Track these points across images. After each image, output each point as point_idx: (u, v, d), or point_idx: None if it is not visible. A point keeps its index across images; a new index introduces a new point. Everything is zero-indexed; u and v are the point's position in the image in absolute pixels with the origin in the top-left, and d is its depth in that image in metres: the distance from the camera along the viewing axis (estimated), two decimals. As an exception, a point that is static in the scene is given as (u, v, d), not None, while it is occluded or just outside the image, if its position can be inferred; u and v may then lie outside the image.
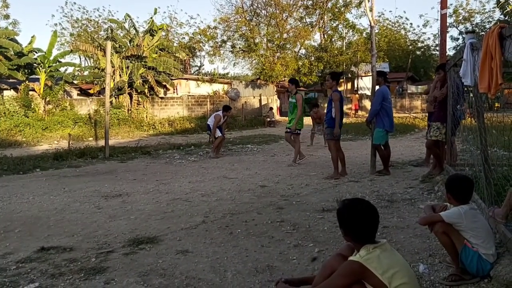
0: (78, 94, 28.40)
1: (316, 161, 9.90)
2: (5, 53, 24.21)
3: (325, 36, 33.79)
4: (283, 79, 30.62)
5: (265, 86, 31.44)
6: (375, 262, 2.27)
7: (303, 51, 33.23)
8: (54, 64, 25.47)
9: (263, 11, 32.39)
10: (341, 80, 36.36)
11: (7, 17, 31.48)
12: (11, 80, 26.36)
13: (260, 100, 29.86)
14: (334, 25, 32.93)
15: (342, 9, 31.20)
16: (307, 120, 13.88)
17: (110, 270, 3.50)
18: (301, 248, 3.94)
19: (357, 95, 32.37)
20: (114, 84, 23.71)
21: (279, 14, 31.47)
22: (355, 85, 35.93)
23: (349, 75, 34.33)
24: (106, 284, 3.23)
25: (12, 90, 25.66)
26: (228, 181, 7.54)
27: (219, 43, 33.18)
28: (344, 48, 32.76)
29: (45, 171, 9.44)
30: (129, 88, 25.10)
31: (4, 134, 18.63)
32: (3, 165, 9.78)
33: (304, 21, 33.48)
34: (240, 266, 3.55)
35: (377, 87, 7.78)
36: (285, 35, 31.81)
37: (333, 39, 33.25)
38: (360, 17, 39.15)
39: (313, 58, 31.35)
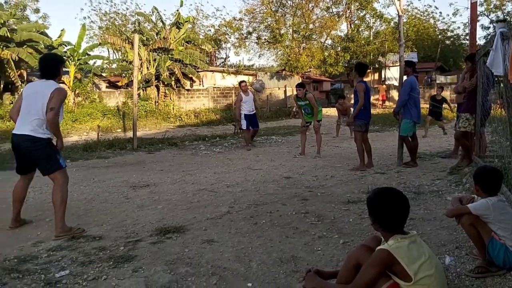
0: (106, 87, 28.92)
1: (341, 153, 9.85)
2: (36, 47, 24.80)
3: (352, 26, 33.33)
4: (308, 70, 30.40)
5: (290, 77, 31.30)
6: (403, 252, 2.27)
7: (329, 41, 32.89)
8: (83, 57, 25.99)
9: (289, 2, 32.13)
10: (368, 70, 35.93)
11: (37, 11, 32.23)
12: (42, 73, 26.95)
13: (285, 92, 29.76)
14: (361, 14, 32.45)
15: (369, -2, 30.71)
16: (333, 111, 13.78)
17: (138, 259, 3.59)
18: (326, 240, 3.94)
19: (384, 86, 31.87)
20: (141, 77, 24.03)
21: (305, 4, 31.16)
22: (383, 76, 35.36)
23: (376, 65, 33.80)
24: (134, 272, 3.31)
25: (43, 83, 26.25)
26: (253, 172, 7.59)
27: (245, 35, 33.15)
28: (372, 38, 32.22)
29: (75, 162, 9.68)
30: (156, 81, 25.41)
31: (35, 126, 19.14)
32: (35, 156, 10.07)
33: (331, 11, 33.07)
34: (264, 256, 3.58)
35: (405, 77, 7.66)
36: (311, 26, 31.53)
37: (360, 29, 32.78)
38: (388, 6, 38.57)
39: (339, 49, 30.99)
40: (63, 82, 24.59)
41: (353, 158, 8.49)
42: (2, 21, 22.92)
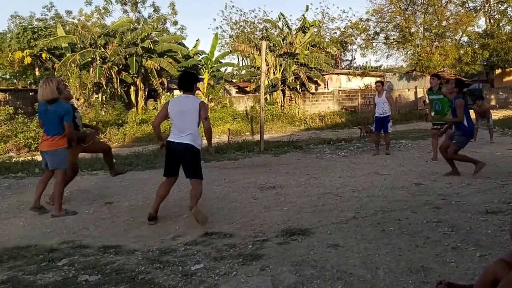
0: (236, 92, 30.45)
1: (480, 159, 9.03)
2: (175, 56, 27.16)
3: (492, 21, 30.40)
4: (441, 69, 28.47)
5: (421, 78, 29.65)
6: None
7: (465, 38, 30.43)
8: (215, 65, 27.76)
9: (419, -1, 30.52)
10: (497, 70, 32.37)
11: (175, 23, 35.12)
12: (179, 81, 29.42)
13: (415, 93, 28.29)
14: (502, 8, 29.40)
15: (512, -11, 27.73)
16: (470, 114, 12.69)
17: (265, 258, 3.72)
18: (460, 251, 3.67)
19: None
20: (268, 82, 24.83)
21: (438, 0, 29.26)
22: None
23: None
24: (261, 271, 3.44)
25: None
26: (380, 178, 7.35)
27: (372, 35, 32.29)
28: (515, 33, 29.05)
29: (208, 162, 10.33)
30: (282, 85, 26.07)
31: (174, 129, 20.94)
32: (174, 157, 10.98)
33: (467, 6, 30.58)
34: (392, 264, 3.46)
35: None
36: (444, 23, 29.52)
37: (500, 24, 29.73)
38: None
39: (476, 46, 28.49)
40: (198, 89, 26.53)
41: (493, 165, 7.76)
42: (146, 34, 25.57)
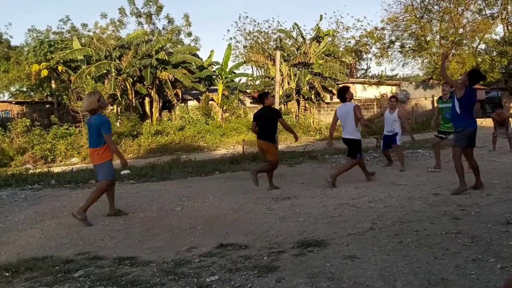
0: (250, 102, 30.52)
1: (499, 168, 8.88)
2: (189, 67, 27.38)
3: (509, 28, 30.04)
4: (458, 77, 28.15)
5: (438, 86, 29.32)
6: None
7: (482, 46, 30.10)
8: (229, 75, 27.90)
9: (435, 7, 30.31)
10: None
11: (189, 34, 35.42)
12: (194, 92, 29.71)
13: (432, 102, 28.00)
14: (521, 15, 29.09)
15: (530, -5, 27.41)
16: (488, 122, 12.50)
17: (281, 269, 3.67)
18: (481, 263, 3.58)
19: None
20: (282, 92, 24.87)
21: (454, 8, 29.03)
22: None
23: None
24: (277, 283, 3.40)
25: (195, 100, 28.89)
26: (397, 188, 7.25)
27: (387, 44, 32.12)
28: (535, 39, 28.63)
29: (223, 173, 10.35)
30: (296, 95, 26.07)
31: (189, 140, 21.06)
32: (188, 168, 10.99)
33: (483, 13, 30.29)
34: (411, 276, 3.38)
35: None
36: (460, 30, 29.23)
37: (519, 31, 29.39)
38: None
39: (495, 53, 28.15)
40: (212, 99, 26.70)
41: (513, 174, 7.60)
42: (161, 46, 25.85)
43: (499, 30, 32.14)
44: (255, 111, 8.54)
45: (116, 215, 6.06)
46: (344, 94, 7.80)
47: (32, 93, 38.71)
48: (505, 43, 27.95)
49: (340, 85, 27.82)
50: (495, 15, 29.93)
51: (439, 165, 8.95)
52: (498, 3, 29.21)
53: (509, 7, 29.33)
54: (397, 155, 9.67)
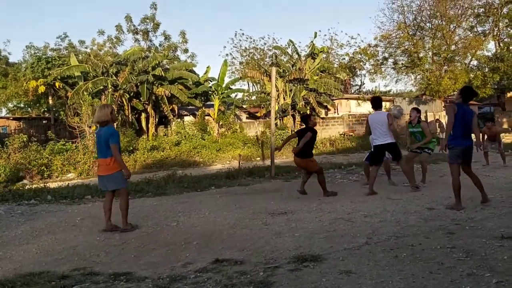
0: (246, 118, 30.67)
1: (493, 183, 8.93)
2: (185, 83, 27.53)
3: (501, 44, 30.49)
4: (451, 93, 28.47)
5: (431, 102, 29.64)
6: None
7: (474, 62, 30.51)
8: (226, 91, 28.06)
9: (427, 24, 30.82)
10: (508, 93, 32.24)
11: (186, 51, 35.71)
12: (190, 107, 29.83)
13: (426, 117, 28.17)
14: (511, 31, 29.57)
15: (520, 13, 27.91)
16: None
17: (277, 285, 3.68)
18: (476, 277, 3.60)
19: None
20: (278, 107, 25.02)
21: (446, 25, 29.48)
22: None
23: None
24: (273, 297, 3.41)
25: (191, 115, 28.99)
26: (392, 202, 7.28)
27: (380, 61, 32.50)
28: (526, 55, 29.06)
29: (219, 188, 10.35)
30: (292, 110, 26.23)
31: (185, 155, 21.06)
32: (184, 183, 10.99)
33: (475, 30, 30.77)
34: (406, 291, 3.41)
35: None
36: (453, 47, 29.67)
37: (510, 47, 29.82)
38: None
39: (487, 69, 28.52)
40: (209, 115, 26.80)
41: (507, 189, 7.66)
42: (157, 62, 26.01)
43: (491, 46, 32.67)
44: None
45: (112, 231, 6.05)
46: (380, 102, 8.52)
47: (29, 109, 38.74)
48: (497, 59, 28.36)
49: (335, 100, 28.10)
50: (487, 32, 30.42)
51: (413, 181, 8.72)
52: (490, 20, 29.71)
53: (500, 24, 29.82)
54: (385, 167, 9.81)
